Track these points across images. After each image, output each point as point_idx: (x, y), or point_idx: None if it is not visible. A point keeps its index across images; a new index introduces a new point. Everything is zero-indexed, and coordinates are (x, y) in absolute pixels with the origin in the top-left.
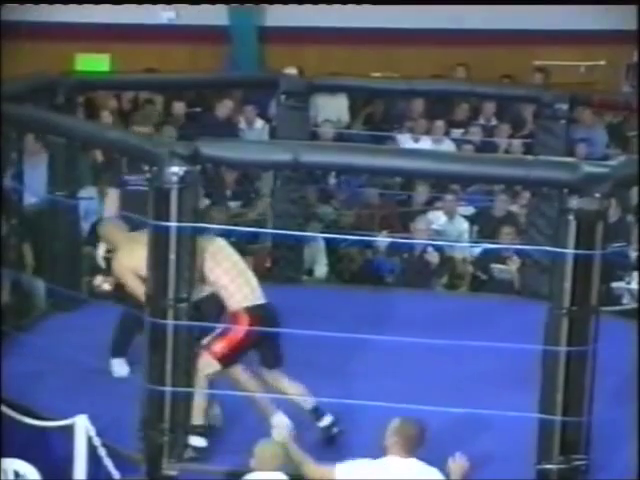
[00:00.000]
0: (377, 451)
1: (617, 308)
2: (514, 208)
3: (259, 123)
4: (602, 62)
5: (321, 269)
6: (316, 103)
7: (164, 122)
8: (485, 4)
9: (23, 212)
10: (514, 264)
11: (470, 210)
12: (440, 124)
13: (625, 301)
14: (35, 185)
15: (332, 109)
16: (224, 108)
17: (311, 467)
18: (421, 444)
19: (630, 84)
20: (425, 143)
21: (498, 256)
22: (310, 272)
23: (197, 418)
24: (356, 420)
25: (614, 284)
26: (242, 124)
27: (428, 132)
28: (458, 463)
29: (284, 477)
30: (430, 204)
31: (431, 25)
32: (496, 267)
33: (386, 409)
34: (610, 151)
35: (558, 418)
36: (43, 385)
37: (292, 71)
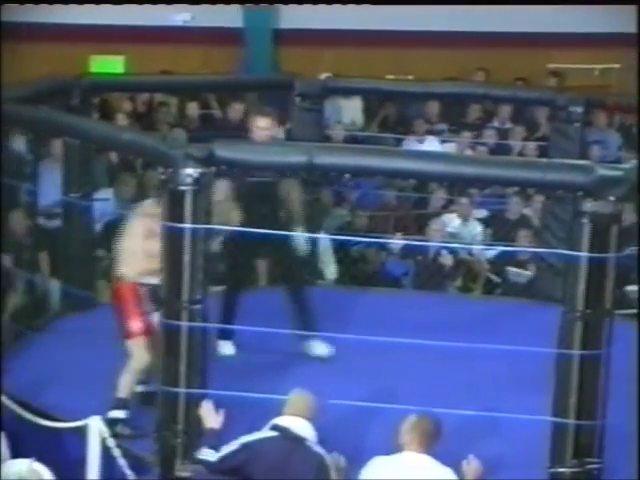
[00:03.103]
0: (392, 450)
1: (631, 311)
2: (528, 211)
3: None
4: (617, 65)
5: (330, 271)
6: (336, 105)
7: (177, 124)
8: (492, 4)
9: (38, 214)
10: (530, 267)
11: (484, 213)
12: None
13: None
14: (50, 187)
15: (346, 111)
16: (234, 111)
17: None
18: (437, 440)
19: None
20: (431, 144)
21: (512, 259)
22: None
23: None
24: (371, 421)
25: (628, 287)
26: None
27: (437, 134)
28: (472, 465)
29: (311, 427)
30: (444, 207)
31: (446, 28)
32: (511, 270)
33: (400, 411)
34: (624, 154)
35: (571, 422)
36: (57, 386)
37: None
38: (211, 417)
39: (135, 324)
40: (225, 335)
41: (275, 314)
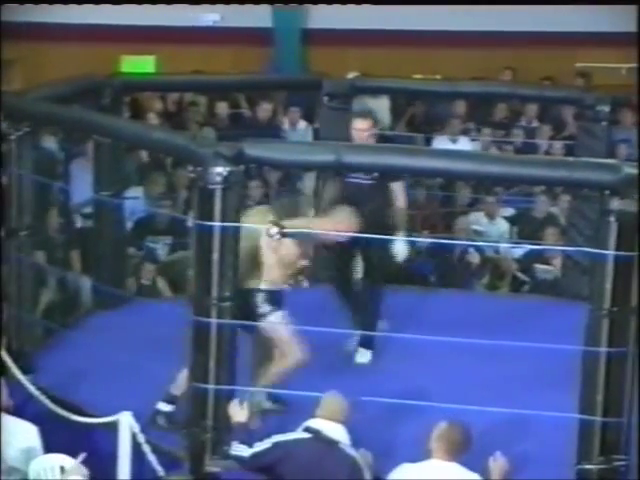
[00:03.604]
0: (420, 452)
1: None
2: (555, 210)
3: (302, 124)
4: None
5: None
6: (364, 105)
7: (207, 123)
8: (511, 4)
9: (70, 213)
10: (557, 264)
11: (510, 211)
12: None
13: None
14: (81, 185)
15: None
16: (263, 111)
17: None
18: (465, 450)
19: None
20: (464, 144)
21: (539, 257)
22: None
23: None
24: (398, 419)
25: None
26: (285, 125)
27: (465, 132)
28: (498, 463)
29: (344, 430)
30: (471, 205)
31: (473, 27)
32: (539, 267)
33: (428, 409)
34: None
35: (598, 419)
36: (88, 382)
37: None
38: (237, 411)
39: (285, 333)
40: (366, 344)
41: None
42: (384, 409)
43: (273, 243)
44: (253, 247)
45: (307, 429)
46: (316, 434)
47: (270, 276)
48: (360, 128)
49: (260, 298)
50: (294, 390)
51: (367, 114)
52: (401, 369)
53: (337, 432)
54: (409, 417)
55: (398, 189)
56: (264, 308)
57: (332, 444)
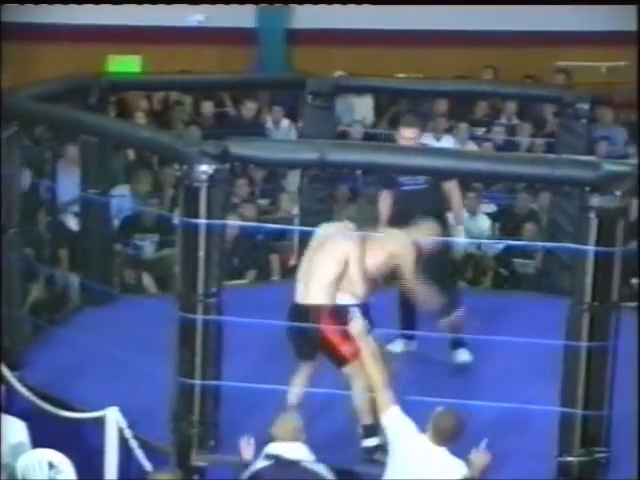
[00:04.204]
0: None
1: (638, 303)
2: (535, 206)
3: (285, 123)
4: (623, 62)
5: None
6: (349, 103)
7: (192, 122)
8: (498, 4)
9: (58, 211)
10: (538, 260)
11: (492, 208)
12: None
13: None
14: (67, 184)
15: (358, 109)
16: (247, 110)
17: (378, 390)
18: (456, 438)
19: None
20: (447, 142)
21: (520, 253)
22: None
23: (366, 418)
24: None
25: (634, 280)
26: (269, 124)
27: (449, 131)
28: (479, 454)
29: (304, 448)
30: None
31: (455, 27)
32: (519, 261)
33: (409, 401)
34: (630, 149)
35: (579, 412)
36: (76, 378)
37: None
38: (245, 448)
39: (346, 349)
40: (458, 343)
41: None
42: None
43: (361, 256)
44: (335, 261)
45: (267, 456)
46: (277, 459)
47: (357, 290)
48: (407, 137)
49: (354, 315)
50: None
51: (414, 122)
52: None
53: (297, 451)
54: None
55: (452, 188)
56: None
57: (294, 465)
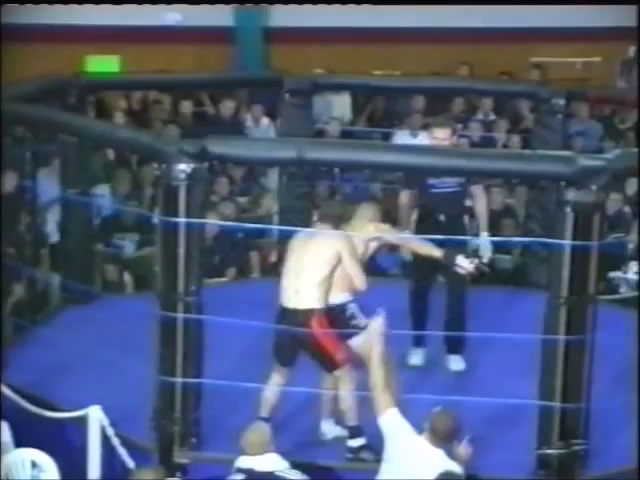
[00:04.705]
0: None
1: (615, 297)
2: (512, 201)
3: (265, 121)
4: (598, 58)
5: None
6: (327, 101)
7: (171, 121)
8: (483, 4)
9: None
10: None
11: (468, 203)
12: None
13: (622, 290)
14: (47, 184)
15: (336, 107)
16: (226, 108)
17: (380, 392)
18: (451, 439)
19: (625, 79)
20: (423, 138)
21: (498, 248)
22: None
23: (352, 419)
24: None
25: (612, 274)
26: (249, 122)
27: (426, 127)
28: (463, 448)
29: (276, 456)
30: None
31: (431, 24)
32: (497, 257)
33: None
34: (605, 144)
35: (557, 404)
36: (58, 377)
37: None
38: None
39: (338, 355)
40: (453, 348)
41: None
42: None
43: (360, 249)
44: (325, 261)
45: (239, 470)
46: (249, 472)
47: (357, 283)
48: (440, 137)
49: (353, 311)
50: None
51: (446, 123)
52: None
53: (269, 462)
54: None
55: (478, 193)
56: (360, 321)
57: (267, 476)
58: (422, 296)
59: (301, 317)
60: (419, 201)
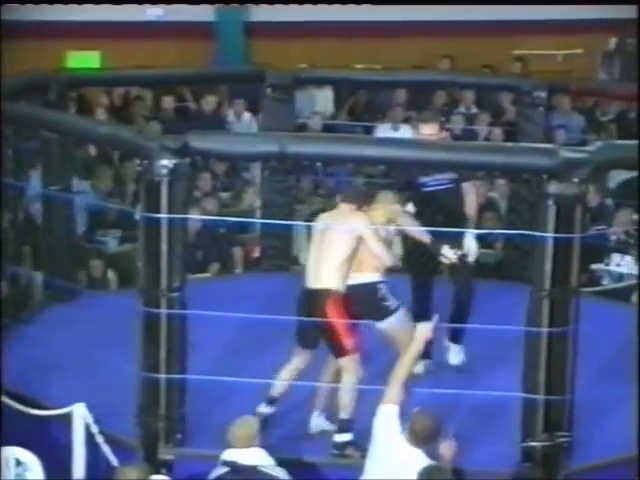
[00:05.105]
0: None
1: (597, 289)
2: (494, 194)
3: (247, 116)
4: (579, 51)
5: (305, 257)
6: (309, 95)
7: (153, 117)
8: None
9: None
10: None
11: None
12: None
13: (605, 282)
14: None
15: (319, 101)
16: (208, 104)
17: (395, 385)
18: (431, 440)
19: (606, 71)
20: (405, 131)
21: (480, 241)
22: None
23: (345, 412)
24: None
25: (594, 266)
26: (231, 117)
27: (407, 121)
28: (448, 445)
29: (261, 451)
30: None
31: (412, 18)
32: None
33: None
34: (587, 136)
35: (541, 397)
36: (42, 375)
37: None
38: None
39: (349, 342)
40: (455, 337)
41: None
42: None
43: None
44: (347, 241)
45: (224, 463)
46: (233, 465)
47: (383, 262)
48: (427, 133)
49: (385, 291)
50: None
51: (432, 118)
52: None
53: (253, 456)
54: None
55: (468, 189)
56: (392, 302)
57: (251, 470)
58: (424, 290)
59: (318, 296)
60: (412, 201)
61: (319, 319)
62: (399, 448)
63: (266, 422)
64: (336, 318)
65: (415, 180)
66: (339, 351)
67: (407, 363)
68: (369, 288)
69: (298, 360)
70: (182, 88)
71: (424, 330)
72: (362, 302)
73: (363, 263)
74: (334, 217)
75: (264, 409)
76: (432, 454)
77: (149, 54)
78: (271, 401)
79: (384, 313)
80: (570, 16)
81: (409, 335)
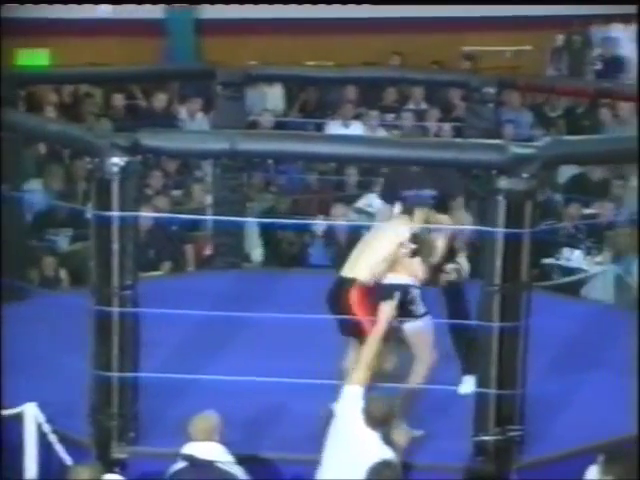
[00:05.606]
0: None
1: (548, 283)
2: None
3: (198, 114)
4: (528, 47)
5: (257, 254)
6: (261, 92)
7: (103, 115)
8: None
9: None
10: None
11: None
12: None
13: (555, 277)
14: None
15: (270, 98)
16: (158, 101)
17: (363, 367)
18: (387, 422)
19: (555, 67)
20: (356, 128)
21: None
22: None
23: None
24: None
25: (544, 261)
26: (183, 115)
27: (358, 117)
28: (401, 434)
29: (220, 447)
30: (367, 188)
31: (363, 14)
32: None
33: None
34: (535, 132)
35: (493, 391)
36: None
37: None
38: None
39: (370, 325)
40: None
41: None
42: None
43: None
44: (388, 242)
45: (182, 457)
46: (190, 459)
47: (416, 271)
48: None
49: (414, 295)
50: None
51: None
52: (299, 348)
53: (211, 451)
54: (306, 396)
55: (456, 206)
56: (419, 308)
57: (206, 465)
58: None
59: (344, 282)
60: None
61: (339, 300)
62: (357, 428)
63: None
64: (358, 304)
65: (398, 194)
66: (361, 337)
67: (372, 343)
68: (399, 289)
69: (350, 349)
70: (132, 86)
71: (385, 309)
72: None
73: (399, 265)
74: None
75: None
76: (387, 440)
77: (99, 51)
78: None
79: (409, 315)
80: (519, 13)
81: (427, 343)
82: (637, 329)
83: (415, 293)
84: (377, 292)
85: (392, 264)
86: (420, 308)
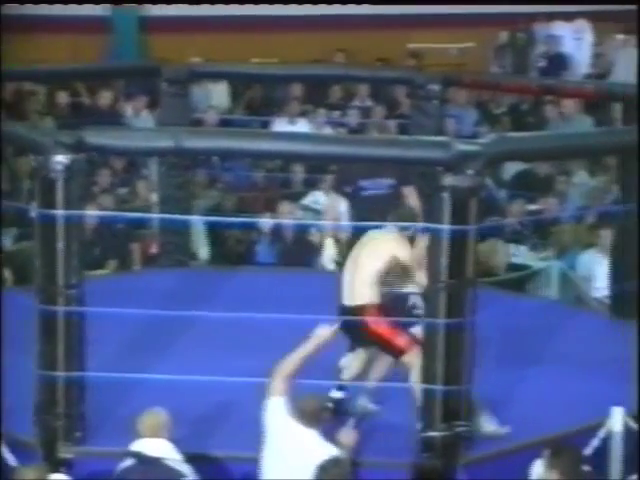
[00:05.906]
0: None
1: (493, 279)
2: None
3: (144, 111)
4: (472, 44)
5: (203, 252)
6: (205, 90)
7: (47, 113)
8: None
9: None
10: None
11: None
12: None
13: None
14: None
15: (214, 96)
16: (103, 99)
17: (281, 377)
18: (322, 419)
19: (498, 65)
20: (302, 126)
21: None
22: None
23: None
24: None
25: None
26: (128, 112)
27: (304, 115)
28: (348, 433)
29: (168, 444)
30: (312, 185)
31: (308, 12)
32: None
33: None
34: (480, 129)
35: (439, 387)
36: None
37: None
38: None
39: (401, 341)
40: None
41: None
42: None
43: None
44: (379, 259)
45: (130, 454)
46: (138, 456)
47: (418, 278)
48: None
49: (415, 301)
50: None
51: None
52: (245, 346)
53: (159, 448)
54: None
55: (410, 192)
56: (420, 311)
57: (154, 462)
58: None
59: (352, 313)
60: (351, 204)
61: (361, 334)
62: (294, 432)
63: (338, 406)
64: (378, 328)
65: (355, 184)
66: (396, 353)
67: (296, 360)
68: (400, 297)
69: (365, 355)
70: (77, 83)
71: (322, 332)
72: (393, 309)
73: (407, 276)
74: (372, 237)
75: (335, 394)
76: (333, 440)
77: (43, 49)
78: (341, 386)
79: (413, 320)
80: (463, 10)
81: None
82: (638, 338)
83: (414, 299)
84: (389, 306)
85: (402, 276)
86: (421, 312)
